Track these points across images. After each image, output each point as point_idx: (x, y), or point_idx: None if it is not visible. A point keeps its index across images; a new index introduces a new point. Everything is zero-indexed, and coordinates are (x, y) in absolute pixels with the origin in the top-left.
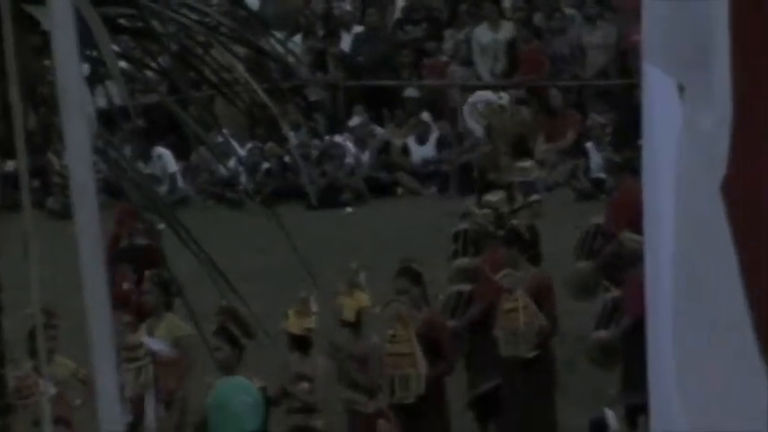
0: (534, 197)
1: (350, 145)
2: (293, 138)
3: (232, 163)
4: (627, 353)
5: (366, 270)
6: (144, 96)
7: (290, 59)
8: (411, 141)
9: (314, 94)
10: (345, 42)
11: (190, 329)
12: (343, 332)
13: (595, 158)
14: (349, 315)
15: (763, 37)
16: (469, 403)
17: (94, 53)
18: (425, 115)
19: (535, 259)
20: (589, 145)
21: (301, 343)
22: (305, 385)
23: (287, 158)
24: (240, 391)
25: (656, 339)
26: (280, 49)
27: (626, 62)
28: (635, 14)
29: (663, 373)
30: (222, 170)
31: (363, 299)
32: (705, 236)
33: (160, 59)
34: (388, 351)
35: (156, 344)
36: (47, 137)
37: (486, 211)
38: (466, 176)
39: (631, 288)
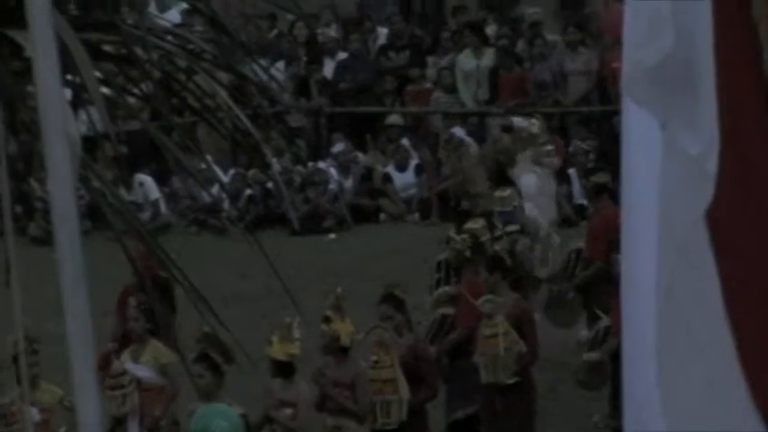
0: (511, 227)
1: (333, 171)
2: (276, 164)
3: (215, 189)
4: (615, 374)
5: (348, 296)
6: (126, 123)
7: (273, 86)
8: (391, 168)
9: (296, 121)
10: (328, 69)
11: (174, 356)
12: (326, 358)
13: (577, 185)
14: (345, 341)
15: (745, 56)
16: (447, 429)
17: (76, 79)
18: (405, 142)
19: (516, 285)
20: (572, 171)
21: (284, 369)
22: (287, 411)
23: (270, 185)
24: (218, 417)
25: (632, 353)
26: (263, 75)
27: (607, 89)
28: (616, 41)
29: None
30: (205, 196)
31: (348, 324)
32: (688, 262)
33: (142, 85)
34: (371, 377)
35: (142, 370)
36: (28, 163)
37: (463, 236)
38: (446, 204)
39: (619, 311)
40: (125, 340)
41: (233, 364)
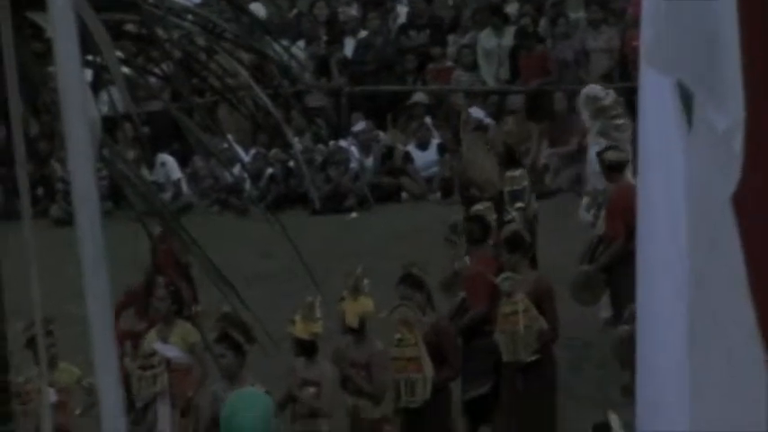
0: (518, 204)
1: (354, 150)
2: (297, 143)
3: (236, 169)
4: None
5: (370, 275)
6: (147, 103)
7: (294, 65)
8: (413, 147)
9: (317, 100)
10: (349, 48)
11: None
12: (347, 338)
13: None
14: (352, 321)
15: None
16: (463, 407)
17: (97, 59)
18: (428, 120)
19: (533, 262)
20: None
21: (307, 348)
22: (311, 390)
23: (291, 164)
24: (245, 409)
25: (646, 341)
26: (283, 54)
27: (628, 66)
28: (637, 19)
29: (654, 375)
30: (226, 176)
31: (367, 304)
32: (717, 243)
33: (163, 65)
34: (395, 355)
35: (171, 351)
36: (50, 144)
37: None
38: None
39: None
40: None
41: (255, 344)
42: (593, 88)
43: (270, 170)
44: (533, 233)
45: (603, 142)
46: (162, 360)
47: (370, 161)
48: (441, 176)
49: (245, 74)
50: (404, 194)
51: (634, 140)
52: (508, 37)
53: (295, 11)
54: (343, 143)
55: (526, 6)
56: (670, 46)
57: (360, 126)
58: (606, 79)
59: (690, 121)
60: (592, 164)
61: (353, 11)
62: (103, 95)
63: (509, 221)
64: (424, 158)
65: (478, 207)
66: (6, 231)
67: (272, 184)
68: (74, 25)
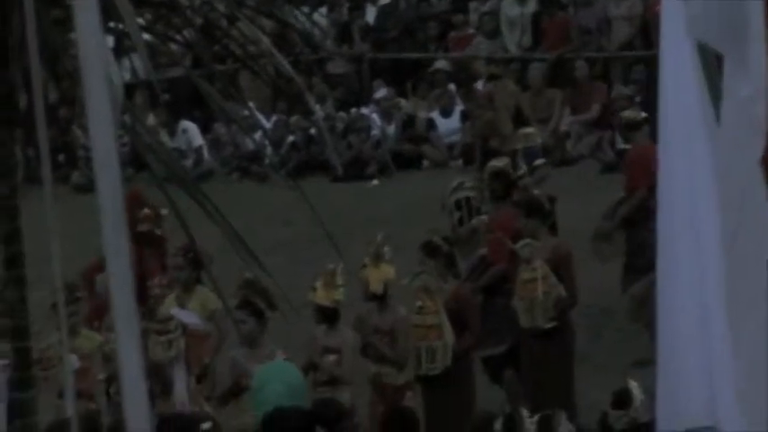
0: (539, 161)
1: (375, 117)
2: (319, 110)
3: (257, 136)
4: None
5: (392, 243)
6: (168, 70)
7: (316, 32)
8: (436, 114)
9: (338, 67)
10: (370, 15)
11: (221, 302)
12: (369, 305)
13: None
14: (376, 287)
15: None
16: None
17: (119, 26)
18: (451, 87)
19: (553, 229)
20: (614, 117)
21: (329, 315)
22: (332, 358)
23: (312, 131)
24: (275, 381)
25: (666, 306)
26: (305, 21)
27: (650, 34)
28: None
29: (675, 340)
30: (247, 143)
31: (389, 271)
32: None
33: (185, 32)
34: (415, 323)
35: (188, 316)
36: (71, 110)
37: (486, 175)
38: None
39: None
40: (96, 315)
41: (276, 311)
42: None
43: (291, 137)
44: (552, 200)
45: None
46: (178, 325)
47: (391, 128)
48: (462, 143)
49: (266, 41)
50: (425, 162)
51: (653, 105)
52: (531, 4)
53: None
54: (364, 110)
55: None
56: (707, 17)
57: (381, 93)
58: (628, 47)
59: (713, 88)
60: None
61: None
62: (125, 62)
63: (521, 176)
64: (447, 125)
65: (496, 163)
66: (28, 197)
67: (293, 152)
68: None
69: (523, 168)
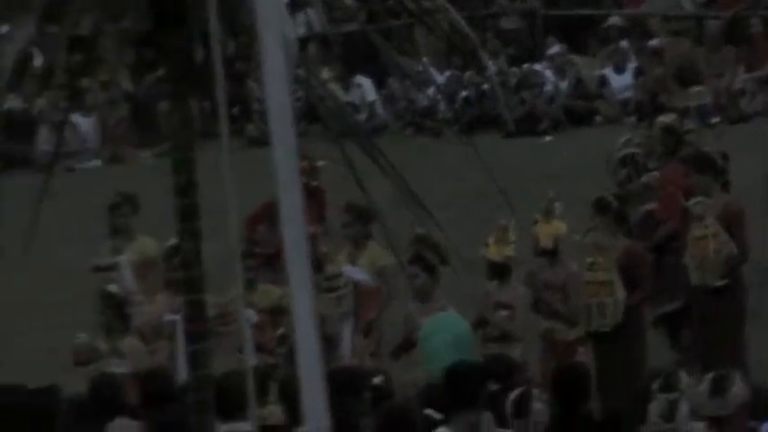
0: (714, 119)
1: (548, 73)
2: (492, 66)
3: (431, 91)
4: None
5: (563, 199)
6: (344, 24)
7: None
8: (608, 70)
9: (512, 23)
10: None
11: (391, 258)
12: (540, 261)
13: None
14: (546, 243)
15: None
16: (654, 321)
17: None
18: (624, 44)
19: (726, 186)
20: None
21: (500, 271)
22: (503, 313)
23: (485, 86)
24: (443, 330)
25: None
26: None
27: None
28: None
29: None
30: (421, 99)
31: (560, 227)
32: None
33: None
34: (587, 279)
35: (358, 273)
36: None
37: (656, 131)
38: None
39: None
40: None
41: (448, 266)
42: None
43: (464, 92)
44: (725, 157)
45: None
46: (348, 282)
47: (564, 84)
48: (635, 100)
49: None
50: (598, 118)
51: None
52: None
53: None
54: (537, 66)
55: None
56: None
57: (554, 49)
58: None
59: None
60: None
61: None
62: (300, 16)
63: (688, 132)
64: (620, 82)
65: (664, 119)
66: (203, 151)
67: (466, 107)
68: None
69: (691, 125)
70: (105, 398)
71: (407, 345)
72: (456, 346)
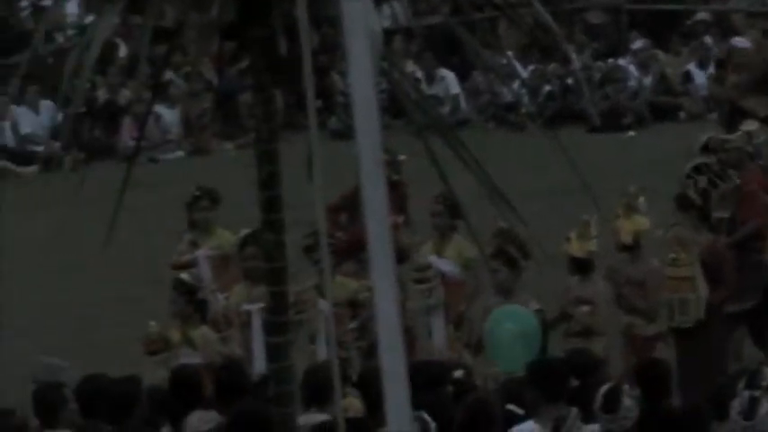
0: None
1: (632, 68)
2: (576, 60)
3: (515, 85)
4: None
5: (647, 194)
6: (428, 17)
7: None
8: (693, 66)
9: (596, 17)
10: None
11: (476, 251)
12: (621, 256)
13: None
14: (626, 238)
15: None
16: (737, 318)
17: None
18: (708, 40)
19: None
20: None
21: (582, 266)
22: (585, 308)
23: (569, 81)
24: (508, 319)
25: None
26: None
27: None
28: None
29: None
30: (504, 92)
31: (641, 222)
32: None
33: None
34: (669, 274)
35: (446, 265)
36: (331, 56)
37: (739, 134)
38: None
39: None
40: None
41: (530, 260)
42: None
43: (547, 87)
44: None
45: None
46: (437, 274)
47: (648, 80)
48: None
49: None
50: (682, 114)
51: None
52: None
53: None
54: (621, 61)
55: None
56: None
57: (639, 44)
58: None
59: None
60: None
61: None
62: (385, 9)
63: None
64: (704, 78)
65: (746, 127)
66: (285, 143)
67: (550, 101)
68: None
69: None
70: (185, 389)
71: None
72: (522, 338)
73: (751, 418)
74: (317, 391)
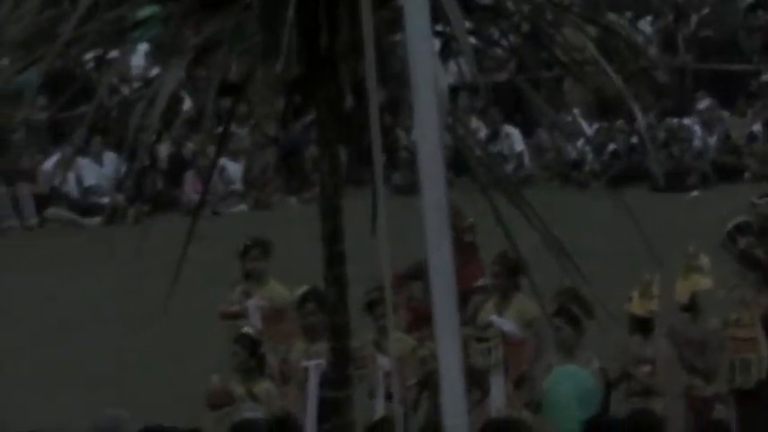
0: None
1: (697, 128)
2: (641, 119)
3: (579, 143)
4: None
5: (710, 254)
6: (493, 74)
7: (639, 40)
8: (758, 126)
9: (662, 76)
10: (694, 24)
11: (538, 310)
12: (683, 316)
13: None
14: (682, 298)
15: None
16: None
17: (446, 29)
18: None
19: None
20: None
21: (643, 325)
22: (646, 368)
23: (634, 139)
24: (566, 379)
25: None
26: (629, 28)
27: None
28: None
29: None
30: (569, 150)
31: (701, 282)
32: None
33: (510, 37)
34: (731, 335)
35: (507, 324)
36: (394, 112)
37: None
38: None
39: None
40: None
41: (593, 319)
42: None
43: (612, 145)
44: None
45: None
46: (498, 333)
47: (713, 139)
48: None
49: (591, 47)
50: (746, 174)
51: None
52: None
53: None
54: (686, 120)
55: None
56: None
57: (704, 104)
58: None
59: None
60: None
61: None
62: (451, 65)
63: None
64: None
65: None
66: (350, 198)
67: (614, 160)
68: None
69: None
70: None
71: None
72: (579, 399)
73: None
74: None
